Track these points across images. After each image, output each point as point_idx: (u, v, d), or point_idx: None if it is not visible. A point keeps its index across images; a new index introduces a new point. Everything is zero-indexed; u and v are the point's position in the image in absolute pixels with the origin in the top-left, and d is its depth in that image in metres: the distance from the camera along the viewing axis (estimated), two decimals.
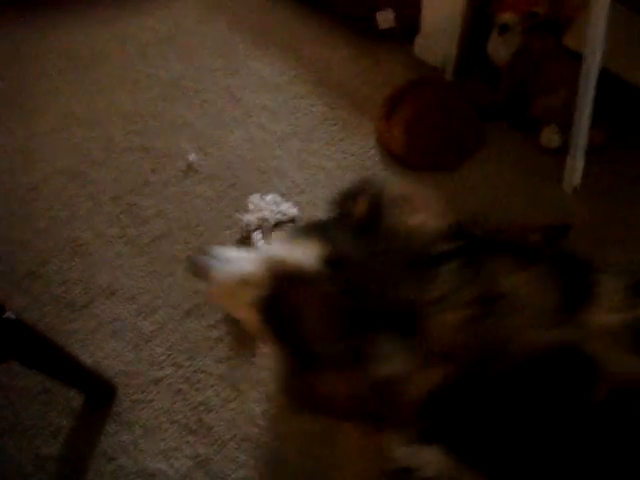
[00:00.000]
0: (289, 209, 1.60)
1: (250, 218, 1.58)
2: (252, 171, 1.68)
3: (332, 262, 1.08)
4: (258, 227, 1.57)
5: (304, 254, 1.09)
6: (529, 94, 1.65)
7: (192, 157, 1.71)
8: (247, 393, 1.45)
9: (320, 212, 1.61)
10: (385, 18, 1.74)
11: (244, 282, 1.15)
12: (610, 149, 1.66)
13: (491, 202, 1.63)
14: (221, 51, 1.91)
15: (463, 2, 1.62)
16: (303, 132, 1.71)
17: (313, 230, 1.17)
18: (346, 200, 1.17)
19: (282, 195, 1.63)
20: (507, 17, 1.57)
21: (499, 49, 1.62)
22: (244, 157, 1.71)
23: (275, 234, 1.58)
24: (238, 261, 1.18)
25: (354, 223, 1.14)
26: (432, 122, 1.68)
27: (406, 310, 1.03)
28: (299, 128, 1.73)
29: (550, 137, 1.63)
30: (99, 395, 1.46)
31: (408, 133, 1.66)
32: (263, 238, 1.57)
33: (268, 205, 1.60)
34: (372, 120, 1.71)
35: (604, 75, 1.46)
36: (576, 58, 1.44)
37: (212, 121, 1.78)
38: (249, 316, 1.16)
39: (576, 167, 1.58)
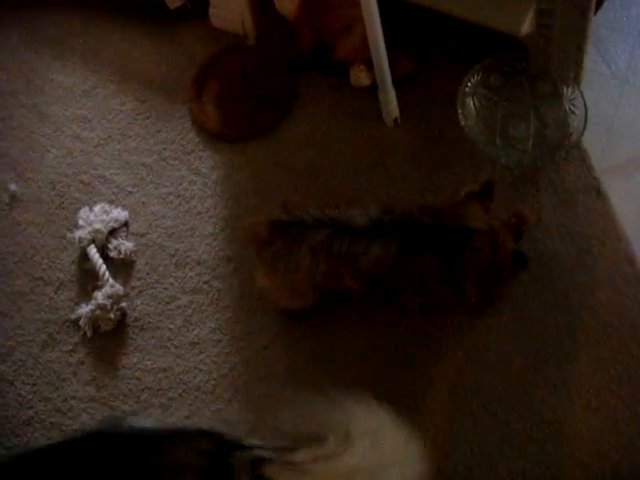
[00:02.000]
0: (119, 214, 1.58)
1: (81, 234, 1.54)
2: (76, 186, 1.64)
3: None
4: (92, 241, 1.53)
5: None
6: (329, 39, 1.63)
7: (13, 187, 1.66)
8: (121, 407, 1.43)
9: (153, 209, 1.57)
10: None
11: None
12: (421, 75, 1.68)
13: (320, 153, 1.62)
14: (20, 72, 1.83)
15: None
16: (118, 133, 1.67)
17: None
18: None
19: (111, 202, 1.60)
20: None
21: (283, 1, 1.60)
22: (65, 173, 1.66)
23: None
24: None
25: None
26: (242, 91, 1.66)
27: None
28: (114, 130, 1.68)
29: (358, 76, 1.62)
30: None
31: (220, 108, 1.64)
32: (99, 251, 1.53)
33: (98, 216, 1.57)
34: (184, 103, 1.68)
35: (401, 4, 1.47)
36: None
37: (25, 145, 1.72)
38: None
39: (389, 100, 1.58)
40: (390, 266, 1.27)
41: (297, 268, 1.28)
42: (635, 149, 1.63)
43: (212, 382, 1.44)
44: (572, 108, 1.56)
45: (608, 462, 1.35)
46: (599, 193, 1.56)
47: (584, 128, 1.51)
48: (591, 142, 1.61)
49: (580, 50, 1.55)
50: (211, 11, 1.72)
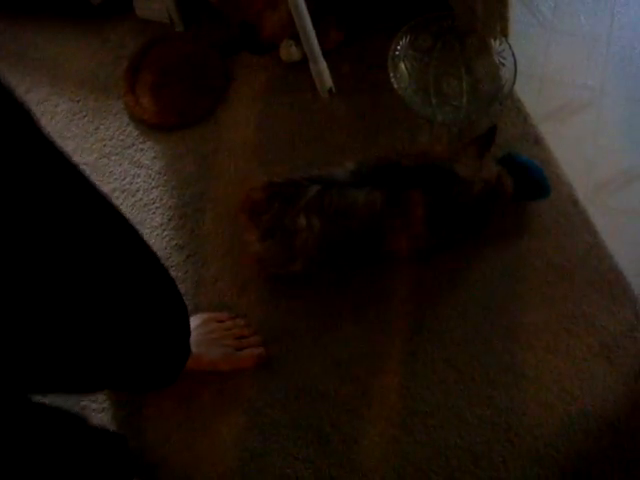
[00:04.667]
0: None
1: None
2: None
3: None
4: None
5: None
6: (255, 18, 1.63)
7: None
8: None
9: None
10: None
11: None
12: (351, 44, 1.70)
13: (259, 132, 1.63)
14: None
15: None
16: (57, 135, 1.66)
17: None
18: None
19: None
20: None
21: None
22: None
23: None
24: None
25: None
26: (175, 79, 1.66)
27: None
28: (52, 133, 1.62)
29: (289, 51, 1.63)
30: None
31: (156, 98, 1.63)
32: None
33: None
34: (119, 98, 1.67)
35: None
36: None
37: None
38: None
39: (321, 71, 1.59)
40: (379, 212, 1.32)
41: (293, 230, 1.31)
42: (567, 94, 1.66)
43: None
44: (502, 60, 1.58)
45: (572, 400, 1.39)
46: (537, 140, 1.59)
47: (515, 79, 1.53)
48: (525, 92, 1.64)
49: (503, 3, 1.57)
50: (135, 2, 1.71)
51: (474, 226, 1.48)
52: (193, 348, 1.34)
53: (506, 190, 1.41)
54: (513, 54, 1.55)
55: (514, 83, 1.54)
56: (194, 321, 1.41)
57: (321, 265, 1.46)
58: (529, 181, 1.48)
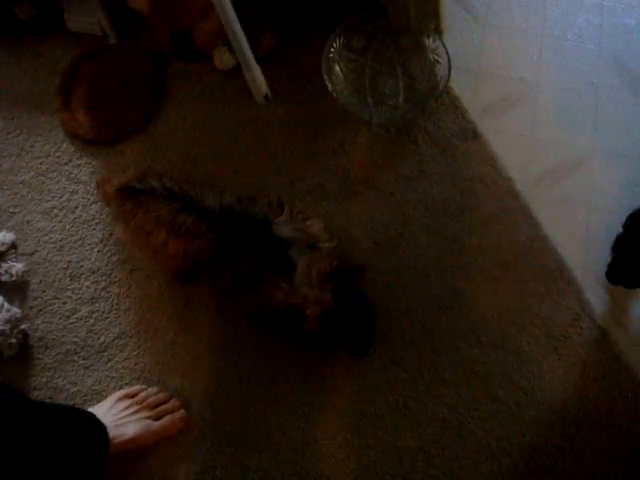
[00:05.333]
0: (5, 237, 1.54)
1: None
2: None
3: None
4: None
5: None
6: (187, 26, 1.61)
7: None
8: None
9: (39, 225, 1.54)
10: (23, 9, 1.65)
11: None
12: (285, 48, 1.70)
13: (196, 142, 1.63)
14: None
15: None
16: None
17: None
18: None
19: None
20: None
21: None
22: None
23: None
24: None
25: None
26: (109, 92, 1.64)
27: None
28: None
29: (222, 59, 1.62)
30: None
31: (90, 112, 1.62)
32: None
33: None
34: (54, 114, 1.64)
35: None
36: None
37: None
38: None
39: (255, 77, 1.58)
40: (218, 255, 1.28)
41: (145, 231, 1.29)
42: (504, 88, 1.67)
43: (126, 385, 1.42)
44: (436, 58, 1.59)
45: (521, 393, 1.40)
46: (475, 135, 1.60)
47: (449, 75, 1.54)
48: (461, 87, 1.65)
49: (436, 1, 1.58)
50: (66, 16, 1.68)
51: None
52: (111, 432, 1.31)
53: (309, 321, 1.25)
54: (447, 51, 1.55)
55: (449, 80, 1.54)
56: (106, 404, 1.38)
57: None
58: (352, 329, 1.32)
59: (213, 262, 1.29)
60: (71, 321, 1.48)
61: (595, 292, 1.48)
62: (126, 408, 1.37)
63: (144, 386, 1.41)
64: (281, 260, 1.25)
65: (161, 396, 1.39)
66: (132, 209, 1.29)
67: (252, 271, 1.26)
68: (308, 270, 1.23)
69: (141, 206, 1.28)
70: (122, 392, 1.40)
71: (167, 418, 1.37)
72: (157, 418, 1.37)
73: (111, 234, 1.54)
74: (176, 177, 1.35)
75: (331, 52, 1.58)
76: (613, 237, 1.46)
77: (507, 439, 1.39)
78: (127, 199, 1.29)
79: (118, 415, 1.35)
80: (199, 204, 1.27)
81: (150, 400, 1.38)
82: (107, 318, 1.47)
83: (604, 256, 1.49)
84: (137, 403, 1.38)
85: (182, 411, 1.38)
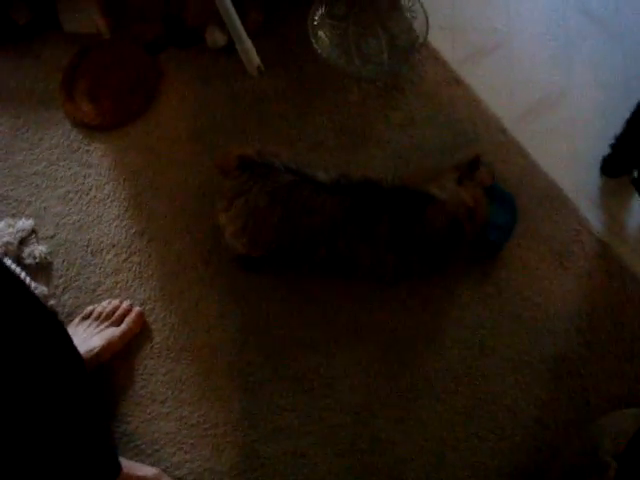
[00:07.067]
0: (24, 224, 1.60)
1: None
2: None
3: None
4: (4, 254, 1.55)
5: None
6: (177, 10, 1.71)
7: None
8: None
9: (56, 210, 1.60)
10: (20, 14, 1.74)
11: None
12: (273, 23, 1.79)
13: (197, 119, 1.70)
14: None
15: None
16: (2, 152, 1.69)
17: None
18: None
19: (13, 216, 1.61)
20: None
21: None
22: None
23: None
24: None
25: None
26: (109, 82, 1.73)
27: None
28: None
29: (214, 38, 1.70)
30: None
31: (93, 102, 1.70)
32: (14, 262, 1.55)
33: (4, 231, 1.58)
34: (59, 108, 1.72)
35: None
36: None
37: None
38: None
39: (247, 50, 1.66)
40: (342, 226, 1.32)
41: (255, 207, 1.32)
42: (479, 40, 1.79)
43: (157, 347, 1.47)
44: (413, 15, 1.70)
45: (534, 307, 1.47)
46: (458, 82, 1.70)
47: (427, 28, 1.65)
48: (440, 42, 1.76)
49: None
50: (61, 17, 1.77)
51: (442, 255, 1.44)
52: (81, 350, 1.35)
53: (480, 217, 1.35)
54: (422, 6, 1.66)
55: (427, 32, 1.65)
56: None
57: (277, 256, 1.49)
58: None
59: (331, 233, 1.33)
60: (97, 293, 1.53)
61: (590, 210, 1.57)
62: (87, 328, 1.45)
63: (94, 305, 1.50)
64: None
65: (113, 304, 1.48)
66: (248, 181, 1.32)
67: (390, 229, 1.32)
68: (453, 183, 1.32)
69: (257, 181, 1.31)
70: (76, 319, 1.48)
71: (127, 320, 1.46)
72: (118, 324, 1.46)
73: (127, 209, 1.59)
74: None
75: (315, 20, 1.68)
76: (600, 160, 1.59)
77: (528, 352, 1.45)
78: (245, 172, 1.32)
79: (82, 335, 1.43)
80: (314, 179, 1.31)
81: (106, 311, 1.47)
82: (132, 287, 1.53)
83: (593, 178, 1.58)
84: (95, 319, 1.46)
85: (137, 309, 1.49)
